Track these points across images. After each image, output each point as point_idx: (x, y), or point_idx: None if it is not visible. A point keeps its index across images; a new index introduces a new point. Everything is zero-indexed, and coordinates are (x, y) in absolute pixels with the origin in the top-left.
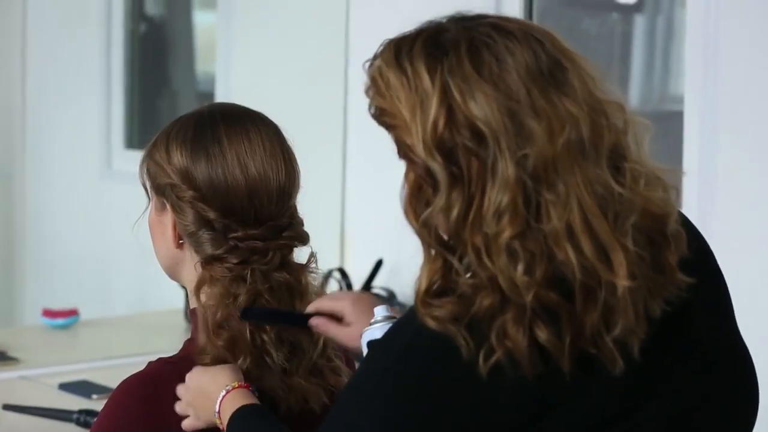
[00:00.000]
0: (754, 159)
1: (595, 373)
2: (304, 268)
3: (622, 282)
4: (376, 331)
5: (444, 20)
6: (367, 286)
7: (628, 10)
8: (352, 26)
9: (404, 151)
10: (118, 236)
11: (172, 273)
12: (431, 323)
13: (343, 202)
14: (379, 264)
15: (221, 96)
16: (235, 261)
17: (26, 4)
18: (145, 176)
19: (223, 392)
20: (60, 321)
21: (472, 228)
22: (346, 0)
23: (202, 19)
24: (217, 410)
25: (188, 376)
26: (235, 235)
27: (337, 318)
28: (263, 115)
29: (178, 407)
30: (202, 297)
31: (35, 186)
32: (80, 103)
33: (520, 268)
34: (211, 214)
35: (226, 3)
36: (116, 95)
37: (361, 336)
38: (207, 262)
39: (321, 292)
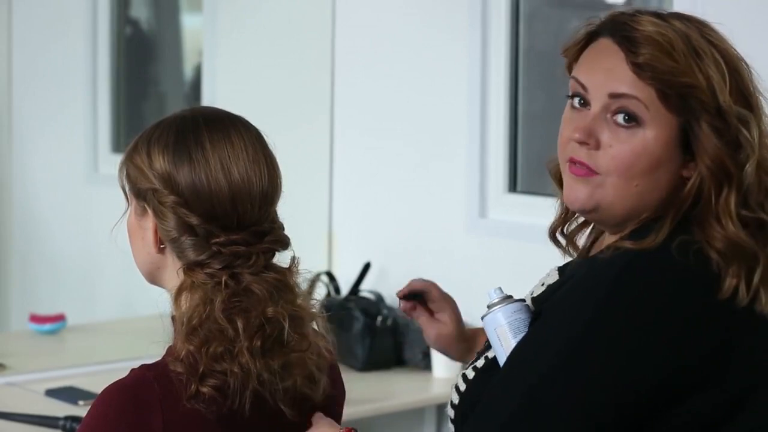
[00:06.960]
0: None
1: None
2: (289, 270)
3: None
4: (498, 313)
5: (677, 16)
6: (355, 289)
7: None
8: (338, 28)
9: (696, 111)
10: (104, 240)
11: (152, 278)
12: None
13: (330, 206)
14: (366, 267)
15: (208, 99)
16: (218, 266)
17: (11, 8)
18: (124, 179)
19: None
20: (47, 326)
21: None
22: (332, 2)
23: (189, 22)
24: None
25: None
26: (218, 240)
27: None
28: (244, 119)
29: None
30: (182, 303)
31: (21, 190)
32: (66, 107)
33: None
34: (194, 220)
35: (212, 5)
36: (102, 99)
37: (482, 320)
38: (189, 268)
39: (309, 292)
